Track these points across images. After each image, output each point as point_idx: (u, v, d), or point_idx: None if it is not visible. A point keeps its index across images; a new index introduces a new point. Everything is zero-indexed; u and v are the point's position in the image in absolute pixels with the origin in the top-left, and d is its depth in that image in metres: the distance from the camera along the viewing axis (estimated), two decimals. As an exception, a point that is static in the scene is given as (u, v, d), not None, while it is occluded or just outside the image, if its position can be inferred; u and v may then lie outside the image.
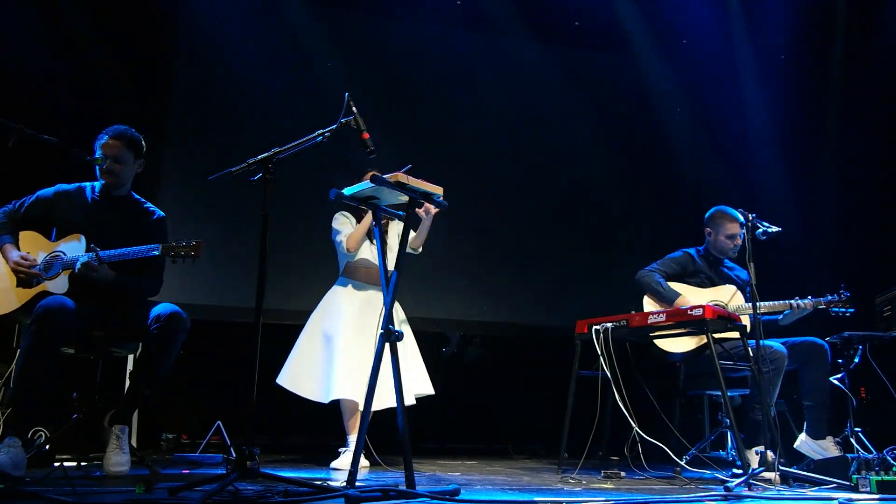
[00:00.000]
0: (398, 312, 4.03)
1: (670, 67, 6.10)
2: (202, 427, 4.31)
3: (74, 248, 3.15)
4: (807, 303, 3.96)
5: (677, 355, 3.93)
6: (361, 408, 3.61)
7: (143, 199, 3.45)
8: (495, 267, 5.58)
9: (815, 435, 3.79)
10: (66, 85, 4.70)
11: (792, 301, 3.96)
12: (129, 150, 3.30)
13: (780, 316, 4.06)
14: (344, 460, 3.73)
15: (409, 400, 3.77)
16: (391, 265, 3.77)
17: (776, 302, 3.98)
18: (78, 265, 3.04)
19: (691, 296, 4.04)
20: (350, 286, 4.00)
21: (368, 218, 3.84)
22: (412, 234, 3.87)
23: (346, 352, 3.77)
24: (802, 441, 3.83)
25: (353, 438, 3.83)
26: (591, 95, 6.04)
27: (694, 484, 3.25)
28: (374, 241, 3.84)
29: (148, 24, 5.10)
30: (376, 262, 3.95)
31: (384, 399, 3.61)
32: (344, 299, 3.95)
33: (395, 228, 4.10)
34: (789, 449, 3.84)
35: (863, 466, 2.94)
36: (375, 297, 3.94)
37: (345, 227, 3.98)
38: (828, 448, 3.74)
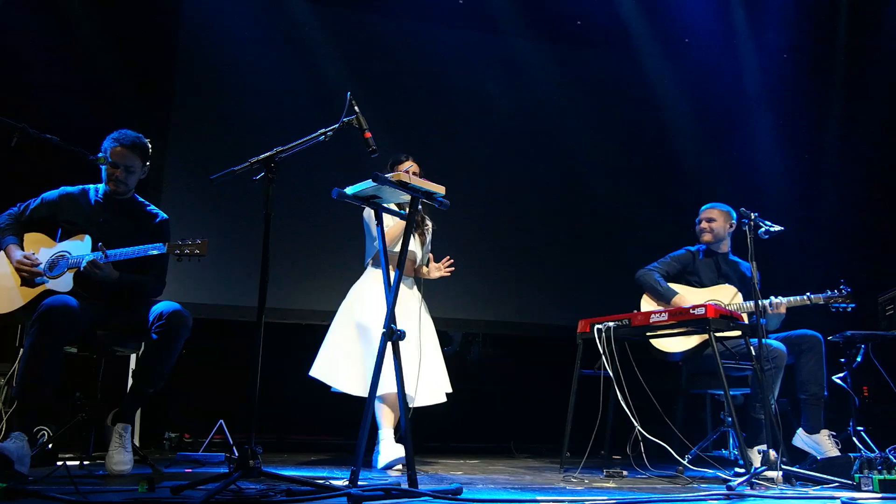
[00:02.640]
0: (425, 306, 4.00)
1: (672, 66, 6.10)
2: (205, 426, 4.32)
3: (79, 247, 3.17)
4: (782, 302, 3.94)
5: (676, 355, 3.93)
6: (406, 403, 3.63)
7: (146, 202, 3.46)
8: (497, 266, 5.58)
9: (810, 429, 3.78)
10: (69, 85, 4.70)
11: (765, 301, 3.93)
12: (139, 158, 3.32)
13: (764, 321, 4.03)
14: (388, 453, 3.63)
15: (442, 398, 3.86)
16: (420, 259, 3.92)
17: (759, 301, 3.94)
18: (83, 263, 3.06)
19: (689, 295, 4.05)
20: (382, 275, 3.90)
21: (401, 221, 3.76)
22: (419, 257, 3.99)
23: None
24: (798, 436, 3.83)
25: (388, 432, 3.71)
26: (593, 94, 6.03)
27: (696, 483, 3.24)
28: (413, 233, 3.91)
29: (151, 25, 5.11)
30: (417, 254, 3.99)
31: (428, 395, 3.71)
32: (377, 289, 3.80)
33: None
34: (791, 448, 3.83)
35: (865, 465, 2.93)
36: (406, 289, 3.94)
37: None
38: (821, 442, 3.73)
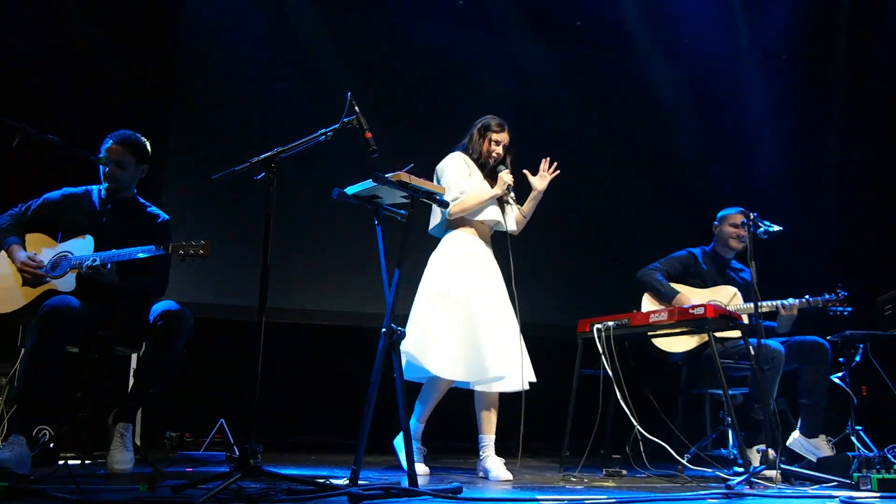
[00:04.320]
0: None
1: (672, 67, 6.10)
2: (205, 425, 4.33)
3: (81, 247, 3.17)
4: (793, 303, 3.95)
5: (677, 355, 3.94)
6: (508, 388, 3.35)
7: (147, 203, 3.47)
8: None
9: (809, 434, 3.81)
10: (69, 85, 4.72)
11: (777, 302, 3.95)
12: (131, 154, 3.32)
13: (776, 323, 4.06)
14: (497, 468, 3.30)
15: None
16: (511, 226, 3.61)
17: (767, 302, 3.97)
18: (84, 267, 3.06)
19: (690, 295, 4.05)
20: (474, 240, 3.55)
21: (490, 192, 3.45)
22: (517, 209, 3.63)
23: (487, 323, 3.32)
24: (795, 439, 3.84)
25: (490, 438, 3.41)
26: (593, 95, 6.04)
27: (695, 482, 3.25)
28: (505, 201, 3.55)
29: (151, 25, 5.12)
30: (500, 223, 3.61)
31: (510, 382, 3.36)
32: (471, 254, 3.47)
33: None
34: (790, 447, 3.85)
35: (864, 464, 2.94)
36: (489, 257, 3.59)
37: (461, 179, 3.49)
38: (820, 447, 3.75)
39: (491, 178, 3.65)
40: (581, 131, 5.95)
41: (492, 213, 3.58)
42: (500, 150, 3.71)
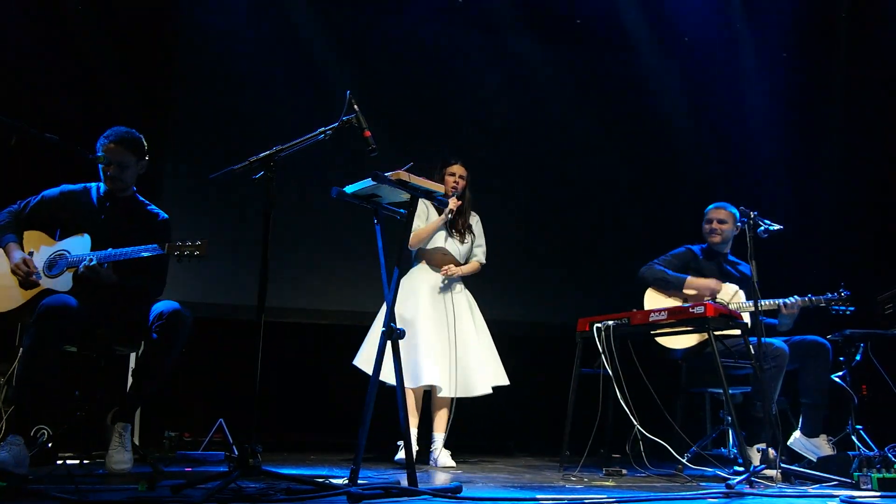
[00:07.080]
0: (468, 300, 4.18)
1: (672, 66, 6.09)
2: (204, 425, 4.32)
3: (79, 246, 3.16)
4: (795, 301, 3.95)
5: (678, 352, 3.93)
6: (442, 393, 3.88)
7: (146, 201, 3.46)
8: (497, 264, 5.56)
9: (809, 433, 3.80)
10: (68, 84, 4.71)
11: (779, 301, 3.96)
12: (131, 153, 3.29)
13: (777, 321, 4.06)
14: (443, 457, 3.87)
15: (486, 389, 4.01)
16: (459, 256, 4.13)
17: (769, 301, 3.97)
18: (81, 267, 3.04)
19: (700, 279, 4.04)
20: (427, 270, 4.11)
21: (439, 220, 4.02)
22: (458, 254, 4.14)
23: (429, 337, 3.87)
24: (796, 438, 3.84)
25: (439, 435, 3.96)
26: (593, 94, 6.03)
27: (696, 481, 3.25)
28: (453, 233, 4.12)
29: (150, 24, 5.11)
30: (451, 252, 4.12)
31: (470, 387, 3.94)
32: (422, 283, 4.04)
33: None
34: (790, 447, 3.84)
35: (864, 464, 2.94)
36: (449, 283, 4.10)
37: (419, 218, 4.01)
38: (821, 446, 3.74)
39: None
40: (580, 130, 5.94)
41: (441, 242, 4.10)
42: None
